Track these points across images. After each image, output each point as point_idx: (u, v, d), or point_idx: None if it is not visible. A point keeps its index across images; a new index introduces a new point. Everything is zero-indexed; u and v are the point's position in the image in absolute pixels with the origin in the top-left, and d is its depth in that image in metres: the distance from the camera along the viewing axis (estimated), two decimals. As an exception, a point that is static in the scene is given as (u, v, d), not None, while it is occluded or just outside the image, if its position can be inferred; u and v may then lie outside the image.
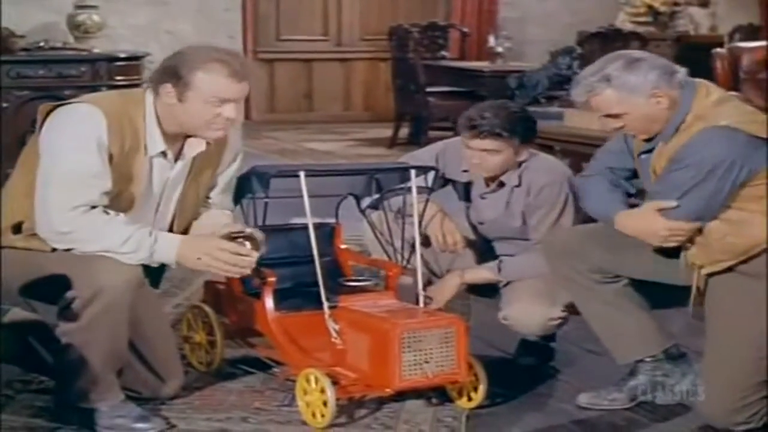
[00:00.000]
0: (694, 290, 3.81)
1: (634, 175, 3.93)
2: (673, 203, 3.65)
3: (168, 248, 3.68)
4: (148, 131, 3.76)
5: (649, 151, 3.80)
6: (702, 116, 3.66)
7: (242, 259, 3.72)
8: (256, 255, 3.74)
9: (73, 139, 3.65)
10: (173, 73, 3.70)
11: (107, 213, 3.64)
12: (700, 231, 3.72)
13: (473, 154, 4.28)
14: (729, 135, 3.61)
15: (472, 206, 4.48)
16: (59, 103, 3.79)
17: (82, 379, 3.63)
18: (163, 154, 3.79)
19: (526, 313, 4.26)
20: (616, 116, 3.73)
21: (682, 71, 3.76)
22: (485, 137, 4.23)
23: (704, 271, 3.76)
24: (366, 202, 4.31)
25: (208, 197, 4.01)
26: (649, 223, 3.71)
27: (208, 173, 3.95)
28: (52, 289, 3.60)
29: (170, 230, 3.86)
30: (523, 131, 4.30)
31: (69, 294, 3.57)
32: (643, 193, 3.91)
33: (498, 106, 4.34)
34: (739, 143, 3.60)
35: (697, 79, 3.80)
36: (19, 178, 3.80)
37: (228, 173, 4.03)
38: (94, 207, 3.62)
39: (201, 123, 3.73)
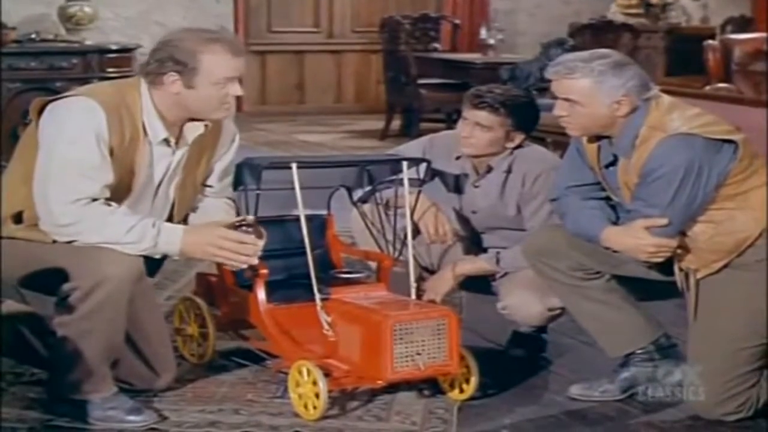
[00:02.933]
0: (692, 298, 3.82)
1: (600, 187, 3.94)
2: (664, 221, 3.67)
3: (172, 239, 3.68)
4: (148, 120, 3.75)
5: (613, 163, 3.82)
6: (656, 126, 3.68)
7: (246, 248, 3.72)
8: (260, 243, 3.74)
9: (72, 132, 3.64)
10: (175, 61, 3.69)
11: (109, 205, 3.65)
12: (684, 234, 3.74)
13: (465, 128, 4.32)
14: (688, 141, 3.64)
15: (465, 197, 4.49)
16: (53, 98, 3.78)
17: (77, 370, 3.63)
18: (166, 141, 3.80)
19: (527, 303, 4.26)
20: (570, 104, 3.74)
21: (655, 88, 3.77)
22: (482, 108, 4.29)
23: (699, 275, 3.78)
24: (358, 194, 4.31)
25: (205, 185, 4.01)
26: (636, 240, 3.73)
27: (205, 160, 3.95)
28: (52, 280, 3.60)
29: (170, 219, 3.86)
30: (520, 116, 4.33)
31: (68, 285, 3.57)
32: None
33: (508, 88, 4.50)
34: (698, 148, 3.64)
35: (656, 93, 3.80)
36: (17, 168, 3.79)
37: (225, 159, 4.03)
38: (95, 200, 3.62)
39: (213, 105, 3.75)
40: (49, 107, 3.72)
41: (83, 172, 3.61)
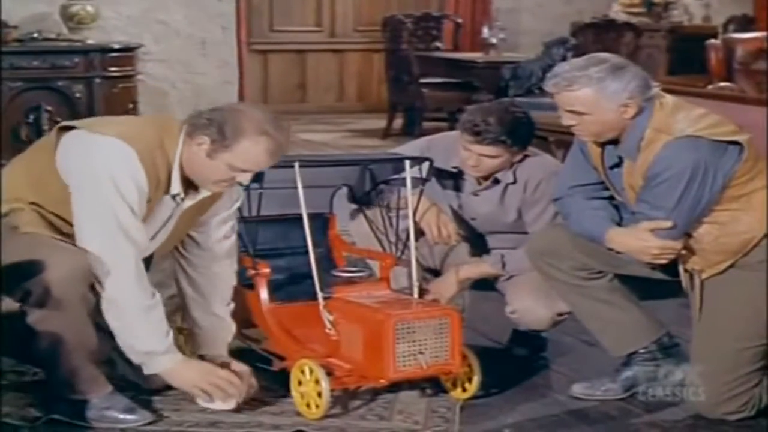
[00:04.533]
0: (697, 298, 3.82)
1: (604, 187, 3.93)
2: (669, 223, 3.66)
3: (164, 361, 3.73)
4: (174, 170, 3.68)
5: (617, 165, 3.81)
6: (661, 128, 3.67)
7: (231, 387, 3.78)
8: (242, 389, 3.81)
9: (123, 195, 3.56)
10: (219, 131, 3.59)
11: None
12: (689, 235, 3.74)
13: (470, 156, 4.26)
14: (693, 144, 3.63)
15: (464, 203, 4.47)
16: (77, 124, 3.72)
17: (60, 370, 3.64)
18: (177, 194, 3.74)
19: (535, 309, 4.26)
20: (578, 114, 3.73)
21: (655, 87, 3.75)
22: (488, 144, 4.21)
23: (704, 276, 3.78)
24: (341, 199, 4.29)
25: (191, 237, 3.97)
26: (641, 242, 3.72)
27: (199, 214, 3.88)
28: (10, 278, 3.58)
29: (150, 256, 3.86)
30: (524, 138, 4.28)
31: (24, 287, 3.55)
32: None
33: (503, 110, 4.28)
34: (704, 150, 3.63)
35: (658, 93, 3.78)
36: (22, 171, 3.73)
37: (221, 215, 3.93)
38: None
39: (212, 179, 3.67)
40: (83, 149, 3.62)
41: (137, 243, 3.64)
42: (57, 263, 3.52)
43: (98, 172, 3.58)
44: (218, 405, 3.79)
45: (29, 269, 3.53)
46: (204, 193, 3.78)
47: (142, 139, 3.62)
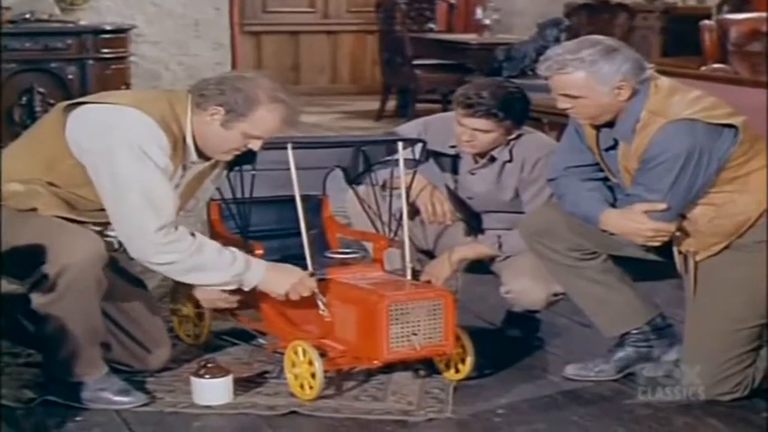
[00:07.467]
0: (691, 280, 3.83)
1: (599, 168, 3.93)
2: (663, 205, 3.66)
3: (253, 275, 3.76)
4: (188, 139, 3.69)
5: (613, 147, 3.81)
6: (657, 111, 3.66)
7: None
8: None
9: (145, 157, 3.55)
10: (233, 101, 3.61)
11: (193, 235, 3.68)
12: (684, 217, 3.74)
13: (464, 131, 4.27)
14: (689, 127, 3.63)
15: (461, 182, 4.47)
16: (82, 101, 3.71)
17: (63, 352, 3.64)
18: (194, 162, 3.76)
19: (531, 290, 4.26)
20: (572, 98, 3.72)
21: (649, 68, 3.75)
22: (480, 116, 4.22)
23: (699, 257, 3.78)
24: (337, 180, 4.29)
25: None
26: (635, 224, 3.72)
27: (198, 184, 3.92)
28: (21, 261, 3.58)
29: None
30: (518, 113, 4.28)
31: (37, 272, 3.54)
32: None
33: (497, 85, 4.32)
34: (699, 133, 3.63)
35: (653, 74, 3.78)
36: (29, 152, 3.71)
37: (212, 184, 4.00)
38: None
39: (226, 148, 3.70)
40: (100, 120, 3.61)
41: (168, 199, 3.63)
42: (74, 248, 3.52)
43: (123, 141, 3.56)
44: None
45: (45, 254, 3.52)
46: (204, 163, 3.79)
47: (156, 108, 3.64)
